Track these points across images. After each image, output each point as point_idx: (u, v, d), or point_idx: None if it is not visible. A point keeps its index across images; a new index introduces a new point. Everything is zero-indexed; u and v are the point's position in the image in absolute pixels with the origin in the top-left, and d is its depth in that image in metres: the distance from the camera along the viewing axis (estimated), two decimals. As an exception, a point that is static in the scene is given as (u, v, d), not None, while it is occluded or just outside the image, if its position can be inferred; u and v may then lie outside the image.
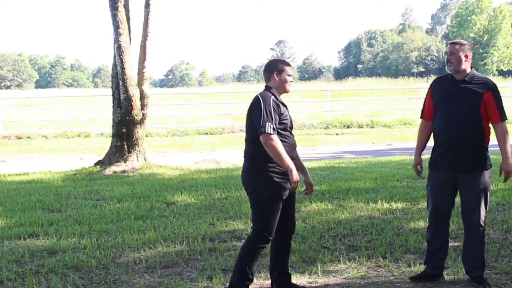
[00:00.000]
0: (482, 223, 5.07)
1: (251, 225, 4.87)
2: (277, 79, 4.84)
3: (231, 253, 6.10)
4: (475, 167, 5.03)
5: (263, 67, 5.02)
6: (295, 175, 4.60)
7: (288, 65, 4.93)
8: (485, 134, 5.03)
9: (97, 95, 37.49)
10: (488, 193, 5.08)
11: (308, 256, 5.96)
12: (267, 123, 4.57)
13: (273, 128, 4.59)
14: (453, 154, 5.07)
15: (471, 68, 5.12)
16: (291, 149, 4.81)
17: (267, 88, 4.85)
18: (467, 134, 5.00)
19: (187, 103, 29.06)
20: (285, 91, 4.90)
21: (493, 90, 5.02)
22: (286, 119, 4.78)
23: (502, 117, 5.02)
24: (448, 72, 5.15)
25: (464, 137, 5.01)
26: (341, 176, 11.00)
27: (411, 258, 5.83)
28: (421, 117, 5.44)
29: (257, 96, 4.76)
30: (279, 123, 4.68)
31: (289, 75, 4.88)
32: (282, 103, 4.79)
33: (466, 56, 5.06)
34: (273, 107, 4.65)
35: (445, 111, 5.10)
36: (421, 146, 5.42)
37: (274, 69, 4.86)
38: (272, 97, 4.72)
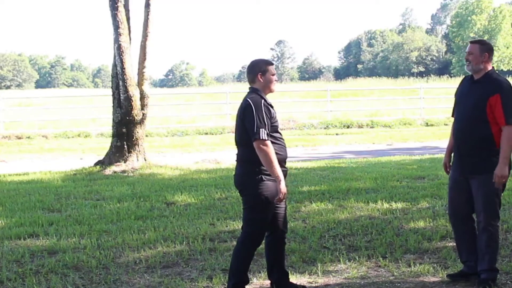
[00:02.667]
0: (489, 226, 4.99)
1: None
2: (261, 80, 4.81)
3: (231, 253, 6.08)
4: (480, 170, 4.97)
5: (246, 68, 4.97)
6: (283, 186, 4.60)
7: (271, 64, 4.89)
8: (494, 138, 4.93)
9: (97, 95, 37.50)
10: (496, 198, 4.99)
11: (308, 256, 5.96)
12: (261, 129, 4.56)
13: (267, 134, 4.58)
14: (461, 155, 5.09)
15: (491, 69, 5.07)
16: (284, 149, 4.82)
17: (254, 90, 4.81)
18: (472, 136, 4.98)
19: (187, 103, 29.05)
20: (270, 91, 4.87)
21: (502, 92, 4.90)
22: (276, 121, 4.78)
23: (508, 120, 4.87)
24: (467, 71, 5.15)
25: (469, 139, 5.00)
26: (341, 176, 10.99)
27: (411, 258, 5.83)
28: (452, 115, 5.38)
29: (247, 100, 4.71)
30: (271, 126, 4.67)
31: (273, 75, 4.84)
32: (271, 105, 4.78)
33: (485, 56, 5.03)
34: (264, 112, 4.64)
35: (458, 112, 5.16)
36: (450, 146, 5.34)
37: (258, 70, 4.81)
38: (263, 101, 4.70)
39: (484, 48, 5.06)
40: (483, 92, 4.96)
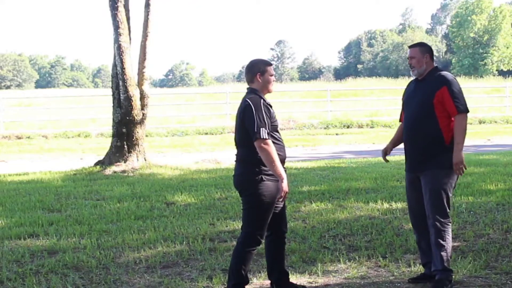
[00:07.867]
0: (436, 222, 4.95)
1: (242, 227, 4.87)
2: (260, 81, 4.81)
3: (231, 253, 6.08)
4: (428, 166, 4.99)
5: (245, 68, 4.97)
6: (285, 185, 4.61)
7: (270, 64, 4.89)
8: (443, 134, 4.95)
9: (97, 95, 37.47)
10: (444, 194, 4.96)
11: (308, 256, 5.96)
12: (261, 129, 4.57)
13: (268, 133, 4.59)
14: (411, 154, 5.13)
15: (433, 67, 5.12)
16: (283, 149, 4.83)
17: (252, 90, 4.81)
18: (421, 134, 5.01)
19: (187, 103, 29.07)
20: (269, 91, 4.87)
21: (448, 84, 4.96)
22: (276, 121, 4.79)
23: (459, 109, 4.92)
24: (414, 76, 5.19)
25: (418, 137, 5.03)
26: (341, 176, 11.00)
27: (411, 258, 5.83)
28: (399, 121, 5.50)
29: (246, 101, 4.71)
30: (271, 125, 4.68)
31: (271, 75, 4.84)
32: (270, 105, 4.78)
33: (426, 57, 5.09)
34: (264, 111, 4.64)
35: (406, 113, 5.20)
36: (394, 139, 5.42)
37: (257, 70, 4.81)
38: (262, 100, 4.70)
39: (424, 49, 5.12)
40: (429, 88, 5.00)
